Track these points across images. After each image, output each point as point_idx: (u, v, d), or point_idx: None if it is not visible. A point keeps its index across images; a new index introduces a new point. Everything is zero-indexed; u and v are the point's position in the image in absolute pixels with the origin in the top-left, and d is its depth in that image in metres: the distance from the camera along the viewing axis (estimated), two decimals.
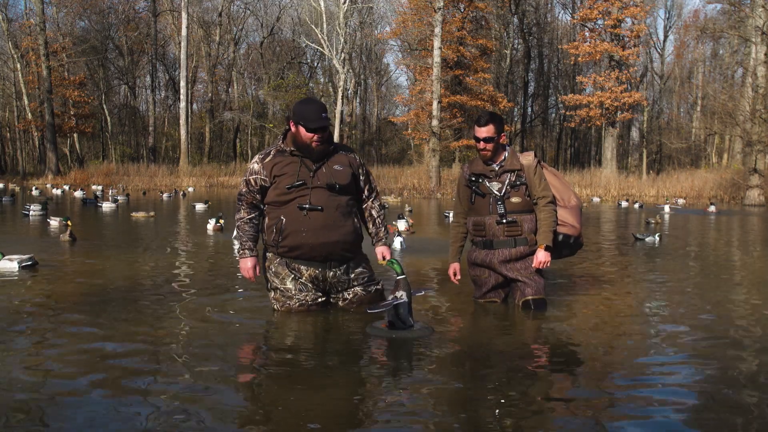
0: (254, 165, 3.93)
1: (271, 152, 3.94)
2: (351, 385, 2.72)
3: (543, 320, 3.90)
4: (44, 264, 6.04)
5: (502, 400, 2.52)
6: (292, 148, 3.88)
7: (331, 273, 3.91)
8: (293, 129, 3.87)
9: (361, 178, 4.05)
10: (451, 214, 11.24)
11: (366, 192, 4.10)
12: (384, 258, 3.98)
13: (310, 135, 3.80)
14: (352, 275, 3.98)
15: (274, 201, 3.86)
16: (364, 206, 4.12)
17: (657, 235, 9.29)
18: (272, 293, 3.99)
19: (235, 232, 4.04)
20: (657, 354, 3.22)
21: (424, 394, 2.61)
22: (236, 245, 4.02)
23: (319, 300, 3.95)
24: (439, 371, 2.92)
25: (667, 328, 3.75)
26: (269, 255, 3.96)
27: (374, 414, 2.41)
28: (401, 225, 9.81)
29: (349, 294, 3.99)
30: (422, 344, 3.31)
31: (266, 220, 3.94)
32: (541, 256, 4.06)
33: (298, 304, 3.90)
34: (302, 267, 3.88)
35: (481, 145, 4.12)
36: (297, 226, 3.80)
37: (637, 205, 21.53)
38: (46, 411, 2.35)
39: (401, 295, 3.46)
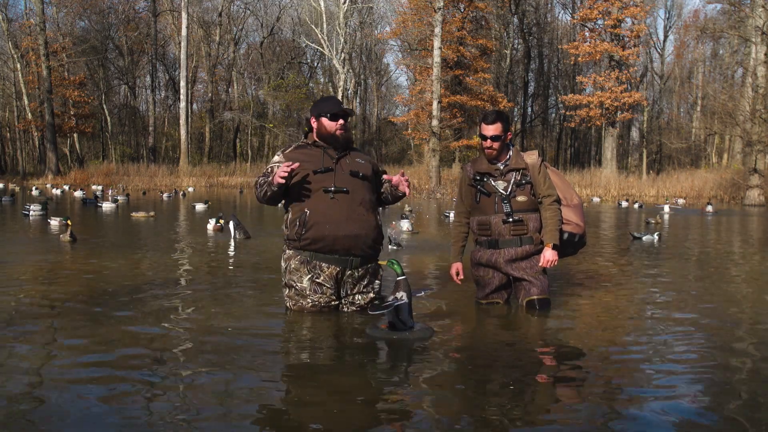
0: (275, 157, 4.02)
1: (293, 146, 4.06)
2: (351, 387, 2.71)
3: (545, 320, 3.90)
4: (44, 264, 6.04)
5: (504, 401, 2.52)
6: (315, 140, 3.99)
7: (349, 272, 3.91)
8: (315, 125, 3.98)
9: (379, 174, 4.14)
10: (451, 214, 11.21)
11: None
12: (398, 179, 4.00)
13: (334, 123, 3.91)
14: (365, 282, 3.97)
15: (298, 191, 3.86)
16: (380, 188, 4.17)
17: (656, 234, 9.30)
18: (286, 290, 3.97)
19: (259, 189, 3.92)
20: (659, 354, 3.22)
21: (424, 395, 2.60)
22: (263, 185, 3.89)
23: (332, 304, 3.93)
24: (440, 372, 2.91)
25: (669, 327, 3.75)
26: (290, 252, 3.95)
27: (374, 415, 2.41)
28: (405, 225, 9.85)
29: (355, 303, 3.97)
30: (423, 345, 3.31)
31: (289, 215, 3.95)
32: (549, 255, 4.05)
33: (311, 304, 3.89)
34: (324, 264, 3.86)
35: (488, 143, 4.10)
36: (320, 218, 3.80)
37: (636, 205, 21.54)
38: (45, 411, 2.34)
39: (402, 296, 3.45)
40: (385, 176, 4.09)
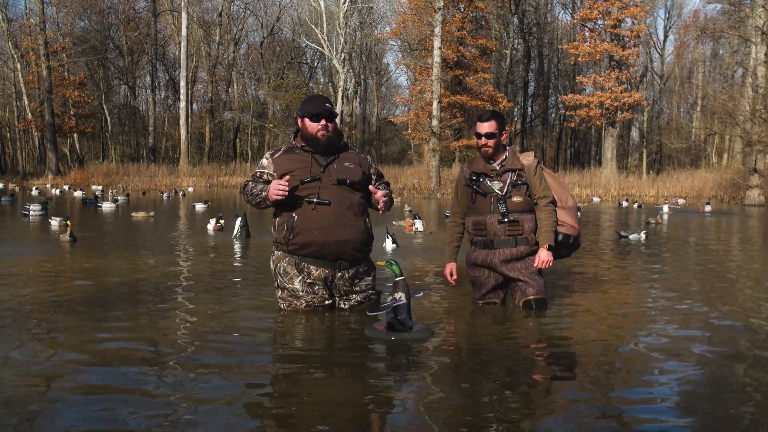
0: (263, 160, 3.97)
1: (282, 149, 3.97)
2: (349, 387, 2.72)
3: (542, 320, 3.90)
4: (44, 264, 6.05)
5: (503, 401, 2.53)
6: (303, 144, 3.91)
7: (339, 274, 3.88)
8: (300, 125, 3.91)
9: (373, 178, 4.03)
10: None
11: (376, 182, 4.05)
12: (378, 197, 3.85)
13: (315, 125, 3.82)
14: (357, 280, 3.96)
15: (286, 198, 3.80)
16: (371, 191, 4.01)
17: (643, 232, 9.39)
18: (279, 292, 3.97)
19: (250, 197, 3.90)
20: (656, 353, 3.22)
21: (423, 395, 2.61)
22: (257, 196, 3.84)
23: (326, 302, 3.92)
24: (439, 373, 2.92)
25: (665, 327, 3.76)
26: (278, 253, 3.93)
27: (372, 416, 2.41)
28: (418, 225, 9.96)
29: (351, 300, 3.97)
30: (421, 346, 3.31)
31: (278, 218, 3.92)
32: (544, 256, 4.06)
33: (305, 304, 3.88)
34: (312, 267, 3.84)
35: (483, 140, 4.12)
36: (308, 224, 3.77)
37: (636, 205, 21.55)
38: (45, 411, 2.35)
39: (400, 296, 3.45)
40: (370, 187, 3.91)
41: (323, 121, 3.82)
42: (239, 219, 8.79)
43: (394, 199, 22.08)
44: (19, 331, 3.48)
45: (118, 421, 2.27)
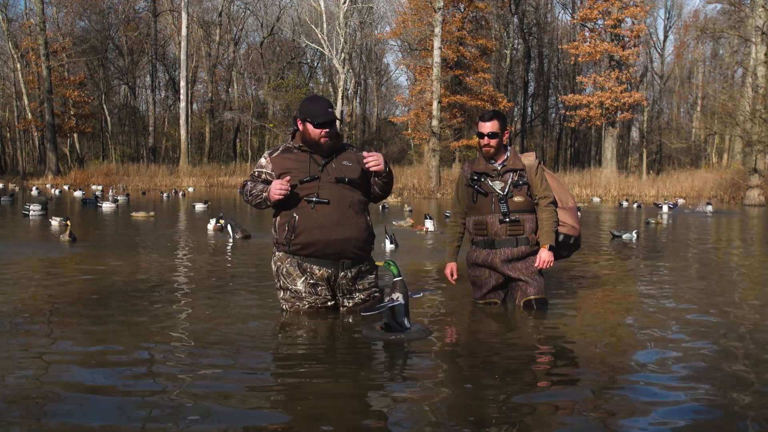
0: (262, 160, 3.96)
1: (280, 148, 3.97)
2: (347, 388, 2.71)
3: (542, 320, 3.90)
4: (44, 264, 6.05)
5: (503, 402, 2.52)
6: (300, 144, 3.90)
7: (342, 273, 3.87)
8: (301, 127, 3.90)
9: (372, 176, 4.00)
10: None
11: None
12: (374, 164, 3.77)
13: (318, 131, 3.80)
14: (359, 279, 3.95)
15: (285, 198, 3.77)
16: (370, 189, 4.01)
17: (634, 232, 9.48)
18: (281, 293, 3.95)
19: (250, 197, 3.88)
20: (657, 352, 3.22)
21: (423, 395, 2.60)
22: (257, 196, 3.82)
23: (329, 304, 3.91)
24: (439, 373, 2.91)
25: (665, 326, 3.75)
26: (280, 254, 3.91)
27: (372, 417, 2.41)
28: (429, 225, 10.14)
29: (355, 298, 3.96)
30: (421, 346, 3.31)
31: (278, 218, 3.91)
32: (545, 256, 4.06)
33: (307, 306, 3.87)
34: (315, 267, 3.82)
35: (485, 140, 4.12)
36: (310, 223, 3.76)
37: (635, 206, 21.56)
38: (45, 412, 2.35)
39: (398, 297, 3.44)
40: (363, 153, 3.88)
41: (326, 129, 3.80)
42: (228, 225, 9.01)
43: (394, 200, 21.72)
44: (19, 332, 3.48)
45: (119, 422, 2.27)
